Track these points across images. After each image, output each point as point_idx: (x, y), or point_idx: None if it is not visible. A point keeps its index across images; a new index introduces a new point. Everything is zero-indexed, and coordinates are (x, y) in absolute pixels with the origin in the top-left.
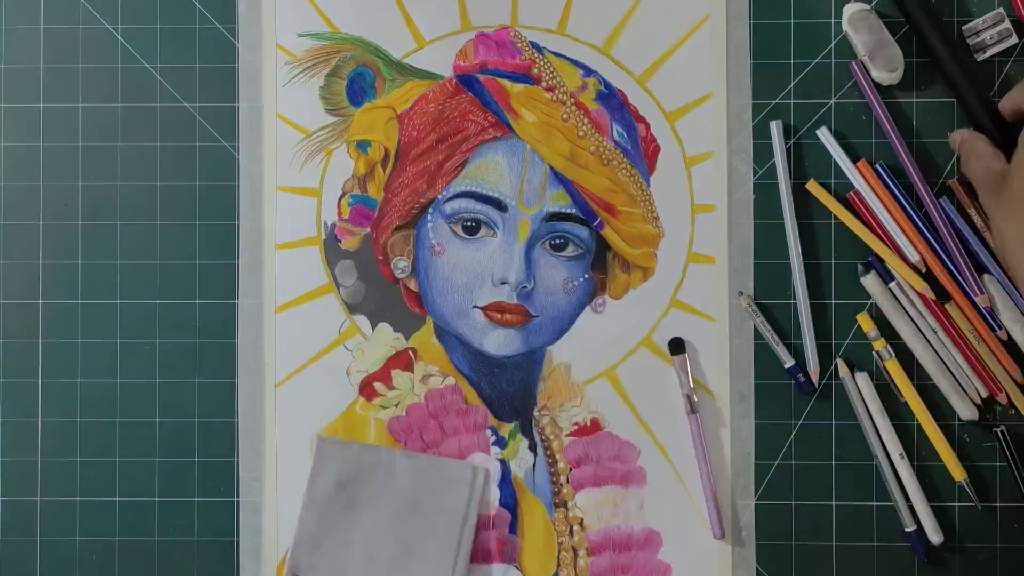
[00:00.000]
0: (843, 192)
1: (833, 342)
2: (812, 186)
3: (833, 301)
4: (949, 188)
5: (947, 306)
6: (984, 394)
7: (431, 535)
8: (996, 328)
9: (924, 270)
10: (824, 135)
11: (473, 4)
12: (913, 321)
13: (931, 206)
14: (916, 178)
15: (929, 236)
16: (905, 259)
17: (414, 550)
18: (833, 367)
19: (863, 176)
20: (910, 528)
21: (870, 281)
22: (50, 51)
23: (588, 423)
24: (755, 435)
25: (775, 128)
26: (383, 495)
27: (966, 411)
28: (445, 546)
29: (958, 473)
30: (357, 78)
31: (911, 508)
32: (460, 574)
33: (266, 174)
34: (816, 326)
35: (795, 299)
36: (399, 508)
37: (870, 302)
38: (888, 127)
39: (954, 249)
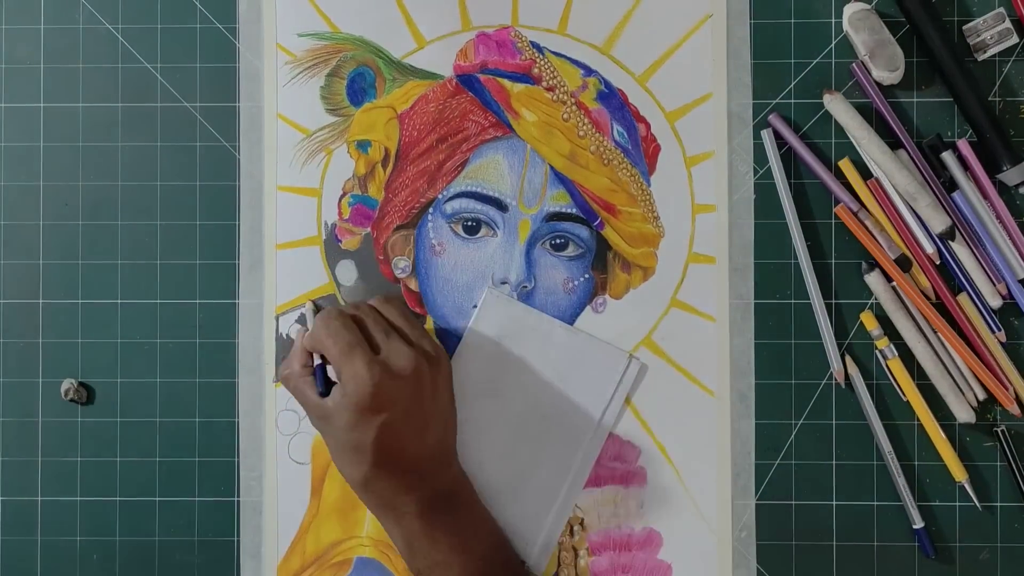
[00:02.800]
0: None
1: (835, 341)
2: (845, 164)
3: (835, 301)
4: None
5: (959, 297)
6: (982, 396)
7: (572, 411)
8: (995, 330)
9: (939, 262)
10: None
11: (473, 4)
12: (915, 320)
13: (945, 200)
14: (927, 173)
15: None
16: (921, 250)
17: (551, 420)
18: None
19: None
20: (918, 526)
21: (874, 279)
22: (50, 51)
23: None
24: (755, 435)
25: (767, 136)
26: (536, 359)
27: (963, 414)
28: (582, 425)
29: (959, 473)
30: (357, 78)
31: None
32: (589, 455)
33: (266, 174)
34: (813, 325)
35: (810, 299)
36: (548, 376)
37: (870, 301)
38: (895, 125)
39: (971, 242)
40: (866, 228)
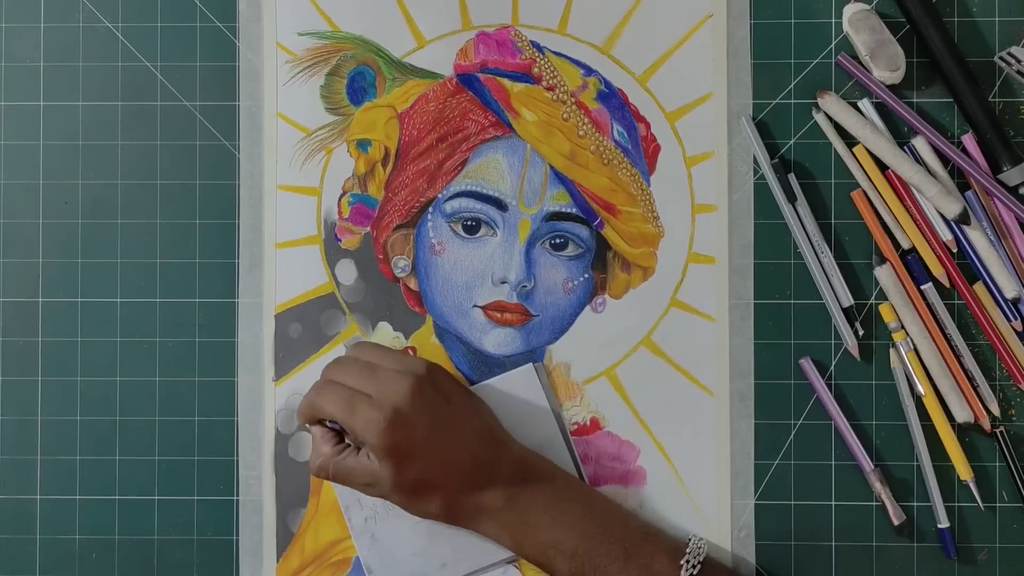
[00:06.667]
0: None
1: (832, 341)
2: (859, 151)
3: (831, 300)
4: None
5: (975, 286)
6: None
7: (536, 440)
8: (1011, 318)
9: (956, 250)
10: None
11: (474, 3)
12: (921, 318)
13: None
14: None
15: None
16: (937, 240)
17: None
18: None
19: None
20: (943, 525)
21: (883, 273)
22: (50, 49)
23: (588, 422)
24: (755, 435)
25: (745, 123)
26: None
27: (962, 414)
28: (548, 443)
29: (964, 472)
30: (357, 77)
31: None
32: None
33: (266, 173)
34: (813, 326)
35: (814, 282)
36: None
37: (869, 302)
38: (906, 113)
39: (991, 233)
40: (879, 217)
